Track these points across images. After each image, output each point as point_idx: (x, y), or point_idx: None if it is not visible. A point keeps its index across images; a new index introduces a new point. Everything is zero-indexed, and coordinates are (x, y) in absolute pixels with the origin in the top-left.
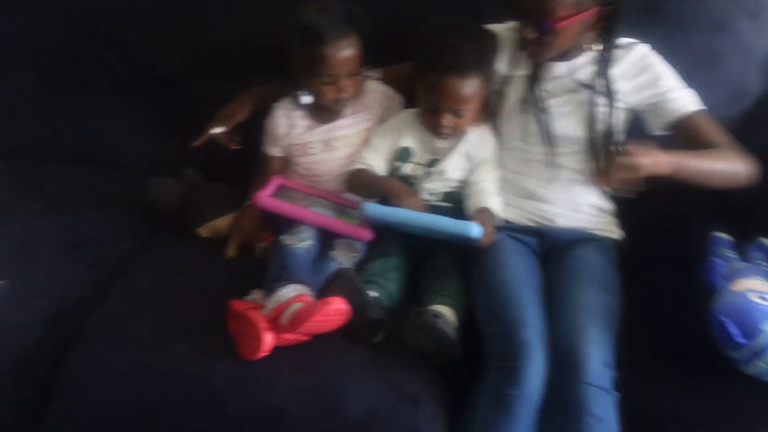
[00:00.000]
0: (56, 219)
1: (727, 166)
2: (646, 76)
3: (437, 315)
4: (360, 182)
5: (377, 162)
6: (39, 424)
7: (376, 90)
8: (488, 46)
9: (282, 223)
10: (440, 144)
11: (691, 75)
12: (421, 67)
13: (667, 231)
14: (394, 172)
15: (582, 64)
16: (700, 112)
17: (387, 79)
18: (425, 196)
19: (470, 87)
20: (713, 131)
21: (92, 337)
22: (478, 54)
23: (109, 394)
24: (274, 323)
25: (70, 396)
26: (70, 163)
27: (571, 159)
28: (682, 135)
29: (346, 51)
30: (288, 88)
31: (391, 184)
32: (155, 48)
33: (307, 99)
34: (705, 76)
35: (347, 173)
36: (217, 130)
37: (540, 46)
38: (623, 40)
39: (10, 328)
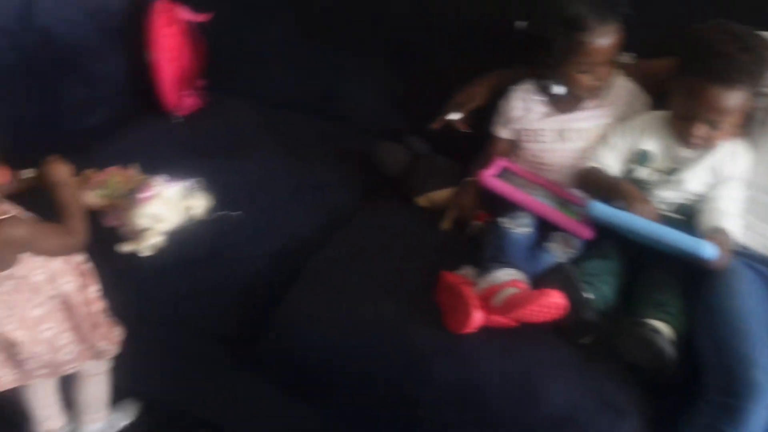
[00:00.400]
0: (291, 163)
1: None
2: None
3: (657, 330)
4: (591, 180)
5: (612, 161)
6: (256, 345)
7: (622, 86)
8: (765, 56)
9: (500, 205)
10: (685, 153)
11: None
12: (686, 69)
13: None
14: (627, 174)
15: None
16: None
17: (638, 72)
18: (659, 205)
19: (735, 99)
20: None
21: (311, 280)
22: (753, 66)
23: (319, 334)
24: (485, 302)
25: (285, 326)
26: (310, 114)
27: None
28: None
29: (606, 38)
30: (535, 74)
31: (626, 187)
32: (407, 16)
33: (559, 89)
34: None
35: (579, 169)
36: (454, 116)
37: None
38: None
39: (241, 256)
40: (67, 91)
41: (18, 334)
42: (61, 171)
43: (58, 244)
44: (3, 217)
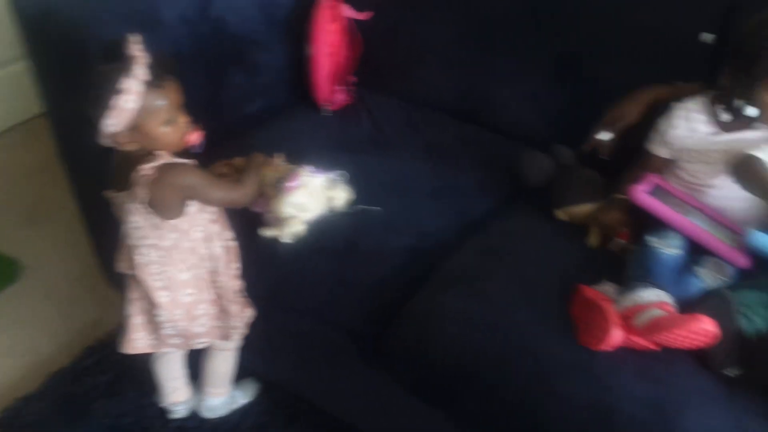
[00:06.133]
0: (432, 164)
1: None
2: None
3: None
4: (754, 171)
5: None
6: (382, 339)
7: None
8: None
9: (648, 224)
10: None
11: None
12: None
13: None
14: None
15: None
16: None
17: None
18: None
19: None
20: None
21: (444, 281)
22: None
23: (447, 338)
24: (626, 321)
25: (414, 324)
26: (458, 117)
27: None
28: None
29: None
30: (718, 92)
31: None
32: (576, 22)
33: (752, 111)
34: None
35: (743, 155)
36: (604, 136)
37: None
38: None
39: (376, 251)
40: (231, 80)
41: (162, 294)
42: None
43: (224, 195)
44: (178, 161)
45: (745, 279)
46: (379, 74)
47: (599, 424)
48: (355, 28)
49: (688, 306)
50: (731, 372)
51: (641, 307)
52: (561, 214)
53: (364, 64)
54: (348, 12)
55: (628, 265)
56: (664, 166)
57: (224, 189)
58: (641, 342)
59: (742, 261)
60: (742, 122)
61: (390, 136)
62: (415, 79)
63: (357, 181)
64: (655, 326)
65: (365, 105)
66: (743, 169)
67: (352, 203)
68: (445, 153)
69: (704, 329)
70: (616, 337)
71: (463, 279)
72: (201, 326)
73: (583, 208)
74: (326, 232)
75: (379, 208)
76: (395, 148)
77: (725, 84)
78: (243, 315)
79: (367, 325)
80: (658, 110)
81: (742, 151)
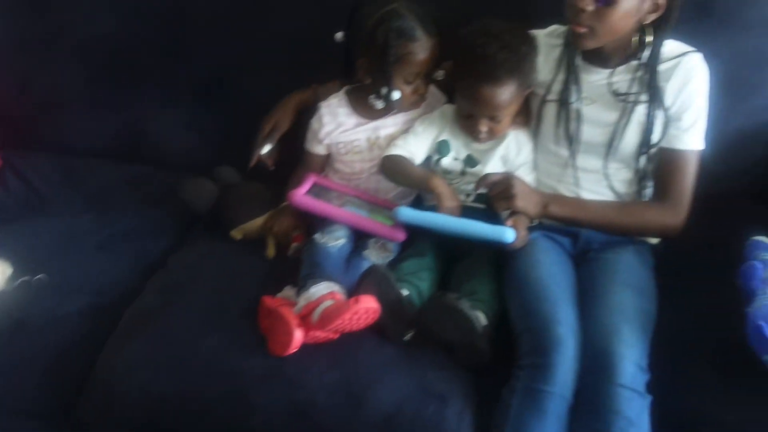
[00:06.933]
0: (97, 215)
1: (631, 222)
2: (684, 93)
3: (459, 297)
4: (399, 170)
5: (418, 149)
6: (73, 415)
7: (429, 92)
8: (524, 50)
9: (315, 222)
10: (478, 145)
11: (740, 76)
12: (458, 73)
13: (704, 234)
14: (431, 164)
15: (623, 73)
16: (685, 152)
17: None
18: (460, 197)
19: (505, 93)
20: (674, 177)
21: (127, 331)
22: (514, 61)
23: (141, 387)
24: (305, 320)
25: (103, 388)
26: (115, 160)
27: (606, 167)
28: (656, 159)
29: (430, 51)
30: (358, 86)
31: (436, 184)
32: (205, 45)
33: (396, 94)
34: (756, 76)
35: (385, 157)
36: (265, 149)
37: (593, 25)
38: (674, 49)
39: (49, 321)
40: None
41: None
42: None
43: None
44: None
45: (407, 249)
46: (23, 132)
47: (299, 422)
48: None
49: (356, 288)
50: (408, 336)
51: (314, 303)
52: (236, 233)
53: (3, 124)
54: None
55: (301, 266)
56: (324, 163)
57: None
58: (322, 335)
59: (399, 235)
60: (383, 110)
61: (46, 195)
62: (62, 129)
63: (13, 251)
64: (327, 317)
65: (14, 168)
66: (387, 169)
67: (10, 278)
68: (110, 199)
69: (366, 307)
70: (297, 338)
71: (147, 322)
72: None
73: (254, 223)
74: None
75: (42, 275)
76: (54, 206)
77: (362, 77)
78: None
79: (55, 401)
80: (308, 112)
81: (383, 154)
